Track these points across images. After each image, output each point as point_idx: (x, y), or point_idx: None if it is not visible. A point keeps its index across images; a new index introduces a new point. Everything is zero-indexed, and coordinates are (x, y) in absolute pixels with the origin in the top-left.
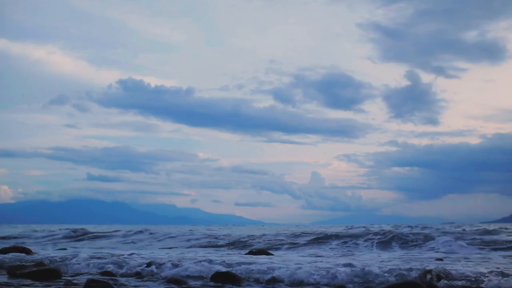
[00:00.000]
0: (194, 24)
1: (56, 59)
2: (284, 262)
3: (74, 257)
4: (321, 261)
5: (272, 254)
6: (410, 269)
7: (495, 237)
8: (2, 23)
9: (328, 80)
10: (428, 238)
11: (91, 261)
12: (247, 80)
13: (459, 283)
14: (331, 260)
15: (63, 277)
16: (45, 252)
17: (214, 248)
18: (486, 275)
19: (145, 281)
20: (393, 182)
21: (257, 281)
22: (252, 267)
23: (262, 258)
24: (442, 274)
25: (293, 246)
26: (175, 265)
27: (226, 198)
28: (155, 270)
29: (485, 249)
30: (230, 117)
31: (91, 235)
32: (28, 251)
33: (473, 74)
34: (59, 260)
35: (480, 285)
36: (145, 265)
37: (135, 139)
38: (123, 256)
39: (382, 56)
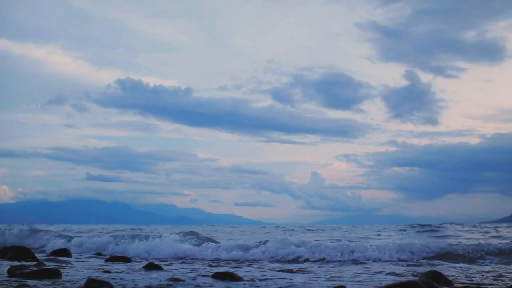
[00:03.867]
0: (194, 24)
1: (56, 59)
2: None
3: None
4: None
5: None
6: None
7: None
8: (2, 23)
9: (327, 80)
10: None
11: None
12: (246, 80)
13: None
14: None
15: (63, 277)
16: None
17: None
18: None
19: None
20: (393, 182)
21: None
22: None
23: None
24: None
25: None
26: None
27: (226, 198)
28: None
29: None
30: (229, 117)
31: None
32: (28, 252)
33: (473, 74)
34: None
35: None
36: None
37: (135, 139)
38: None
39: (381, 56)
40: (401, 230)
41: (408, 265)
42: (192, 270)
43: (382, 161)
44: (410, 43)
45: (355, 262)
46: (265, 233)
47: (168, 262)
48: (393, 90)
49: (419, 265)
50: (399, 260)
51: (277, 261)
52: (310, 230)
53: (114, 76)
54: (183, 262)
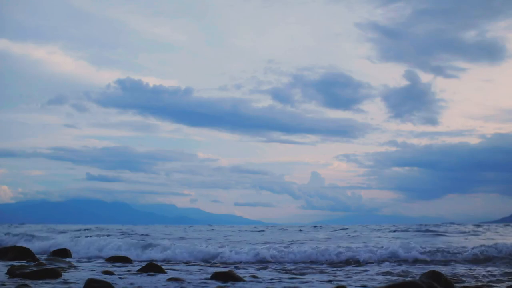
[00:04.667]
0: (194, 24)
1: (56, 59)
2: None
3: None
4: None
5: None
6: None
7: None
8: (2, 23)
9: (327, 80)
10: None
11: None
12: (246, 80)
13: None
14: None
15: (63, 277)
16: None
17: None
18: None
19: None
20: (393, 182)
21: None
22: None
23: None
24: None
25: None
26: None
27: (226, 198)
28: None
29: None
30: (229, 117)
31: None
32: (28, 252)
33: (472, 74)
34: None
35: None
36: None
37: (135, 139)
38: None
39: (381, 56)
40: (395, 231)
41: (405, 266)
42: (192, 270)
43: (382, 161)
44: (410, 43)
45: (349, 263)
46: (263, 231)
47: (169, 263)
48: (393, 90)
49: (417, 266)
50: (391, 261)
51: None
52: (301, 230)
53: (114, 76)
54: (184, 263)
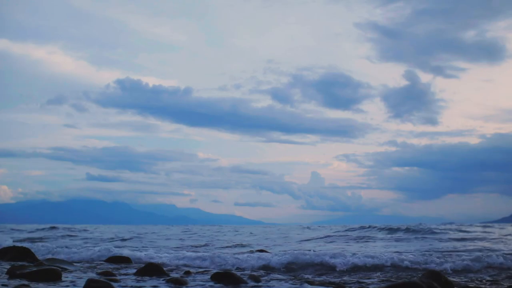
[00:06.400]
0: (194, 24)
1: (56, 59)
2: None
3: None
4: None
5: None
6: None
7: None
8: (3, 23)
9: (326, 80)
10: None
11: None
12: (246, 80)
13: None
14: None
15: (63, 278)
16: None
17: None
18: None
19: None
20: (393, 182)
21: None
22: None
23: None
24: None
25: None
26: None
27: (226, 198)
28: None
29: None
30: (229, 117)
31: None
32: (28, 252)
33: (472, 74)
34: None
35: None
36: None
37: (135, 139)
38: None
39: (381, 56)
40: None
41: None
42: (192, 271)
43: (382, 161)
44: (410, 43)
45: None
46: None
47: (169, 263)
48: (392, 90)
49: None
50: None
51: None
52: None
53: (114, 76)
54: (183, 264)
